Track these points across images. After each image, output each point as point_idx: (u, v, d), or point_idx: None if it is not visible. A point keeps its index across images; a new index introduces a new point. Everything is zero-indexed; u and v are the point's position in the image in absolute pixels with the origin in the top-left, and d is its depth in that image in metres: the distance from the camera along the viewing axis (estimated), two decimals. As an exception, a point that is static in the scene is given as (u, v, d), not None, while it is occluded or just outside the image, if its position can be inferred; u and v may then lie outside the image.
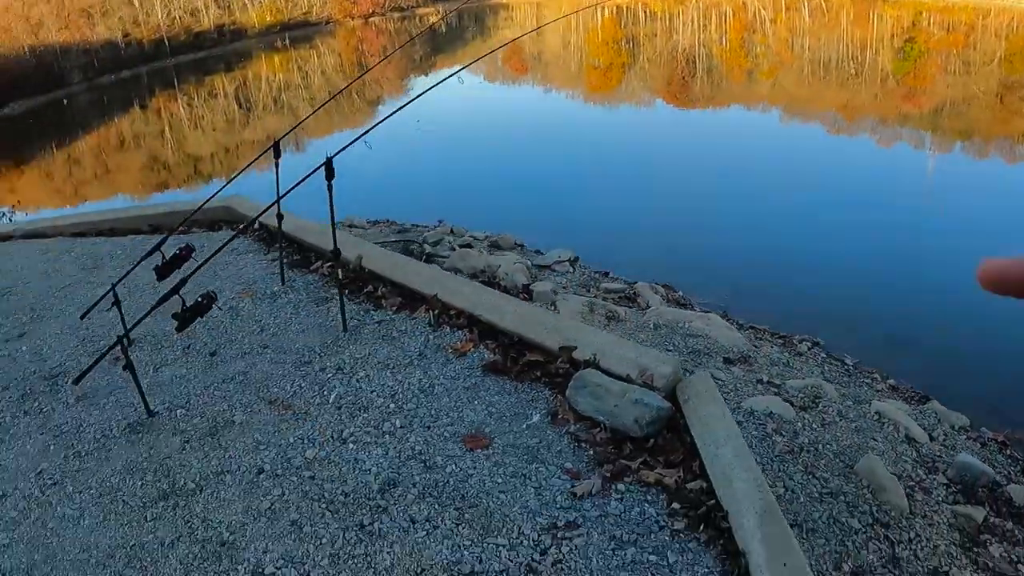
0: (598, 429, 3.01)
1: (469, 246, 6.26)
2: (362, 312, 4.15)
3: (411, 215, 7.62)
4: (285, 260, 4.70)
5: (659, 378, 3.13)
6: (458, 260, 5.51)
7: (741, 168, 10.49)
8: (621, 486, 2.77)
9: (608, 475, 2.76)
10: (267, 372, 3.67)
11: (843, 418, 3.62)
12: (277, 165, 4.09)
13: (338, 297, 4.00)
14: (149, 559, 2.67)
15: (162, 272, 3.79)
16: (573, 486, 2.80)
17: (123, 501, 2.96)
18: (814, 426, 3.45)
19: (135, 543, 2.74)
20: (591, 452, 2.95)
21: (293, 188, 3.30)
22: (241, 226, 4.24)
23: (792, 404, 3.57)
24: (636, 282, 6.12)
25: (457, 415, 3.27)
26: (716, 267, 6.88)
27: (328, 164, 3.41)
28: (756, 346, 4.73)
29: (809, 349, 5.05)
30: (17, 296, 5.16)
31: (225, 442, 3.20)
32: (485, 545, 2.67)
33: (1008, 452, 3.88)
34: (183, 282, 3.17)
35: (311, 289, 4.54)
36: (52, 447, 3.36)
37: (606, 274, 6.23)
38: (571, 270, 6.19)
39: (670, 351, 4.08)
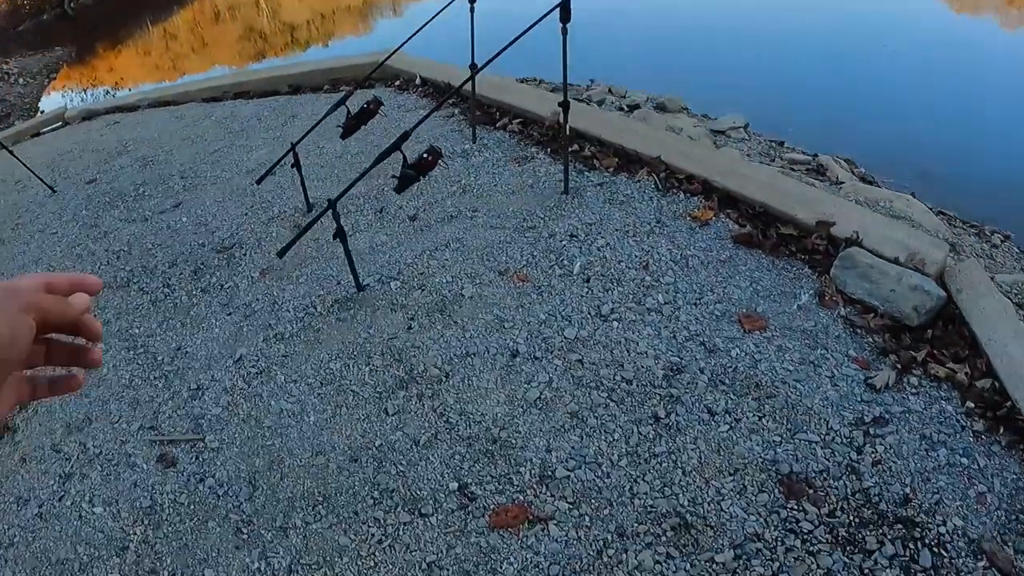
0: (872, 315, 2.63)
1: (637, 106, 5.53)
2: (575, 173, 3.58)
3: (555, 73, 6.86)
4: (464, 118, 4.13)
5: (930, 264, 2.66)
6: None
7: (939, 40, 9.12)
8: (913, 379, 2.38)
9: (899, 366, 2.44)
10: (487, 239, 3.19)
11: None
12: (472, 11, 3.50)
13: (542, 156, 3.46)
14: (404, 461, 2.28)
15: (349, 127, 3.29)
16: (867, 377, 2.40)
17: (352, 392, 2.58)
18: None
19: (381, 443, 2.36)
20: (869, 340, 2.53)
21: (525, 32, 2.65)
22: (414, 81, 3.61)
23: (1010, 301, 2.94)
24: (817, 154, 5.33)
25: (722, 291, 2.75)
26: (896, 145, 5.93)
27: (565, 4, 2.78)
28: (956, 234, 4.00)
29: (1002, 242, 4.24)
30: (161, 164, 4.81)
31: (460, 319, 2.76)
32: (797, 442, 2.22)
33: None
34: (406, 135, 2.64)
35: (505, 147, 3.98)
36: (245, 329, 3.00)
37: (781, 143, 5.43)
38: (746, 137, 5.42)
39: None
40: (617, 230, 3.10)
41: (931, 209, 4.29)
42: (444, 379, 2.53)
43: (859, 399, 2.34)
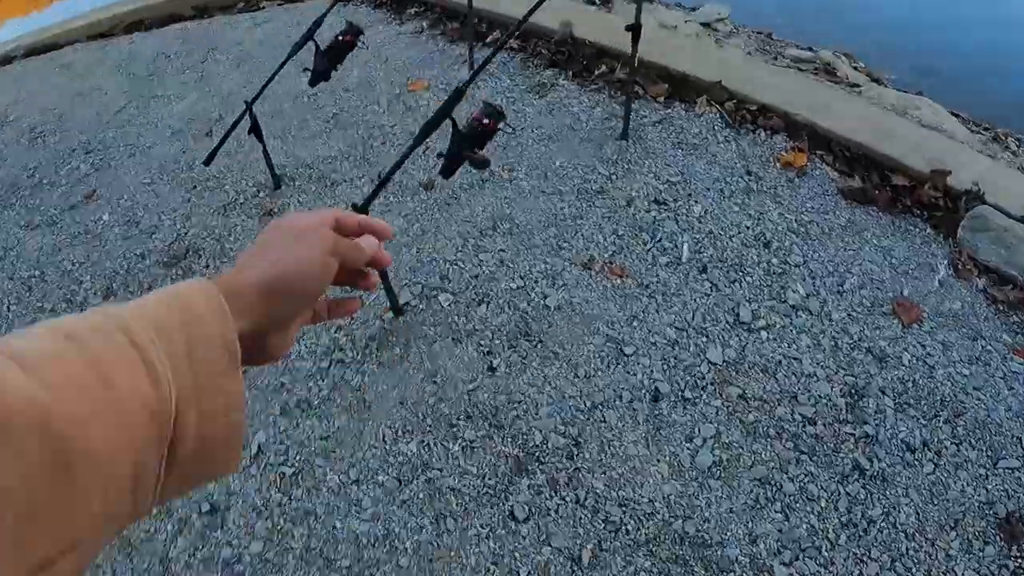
0: (1011, 287, 2.31)
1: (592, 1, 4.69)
2: (616, 105, 2.84)
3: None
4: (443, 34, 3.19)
5: None
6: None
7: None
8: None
9: None
10: (545, 211, 2.47)
11: None
12: None
13: (564, 83, 2.74)
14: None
15: (319, 71, 2.35)
16: None
17: (452, 491, 1.92)
18: None
19: (528, 570, 1.75)
20: (1016, 319, 2.21)
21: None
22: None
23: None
24: (813, 48, 4.79)
25: (860, 271, 2.29)
26: (885, 33, 5.49)
27: None
28: (984, 144, 3.71)
29: (1018, 147, 4.02)
30: (56, 136, 3.44)
31: (558, 345, 2.10)
32: (1001, 472, 1.96)
33: None
34: (459, 94, 1.80)
35: (512, 73, 3.15)
36: (249, 401, 2.14)
37: (769, 35, 4.85)
38: (734, 30, 4.78)
39: None
40: (708, 189, 2.48)
41: (953, 114, 3.95)
42: (575, 450, 1.87)
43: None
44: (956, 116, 4.15)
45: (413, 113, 3.05)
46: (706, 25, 4.77)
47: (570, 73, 3.15)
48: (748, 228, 2.35)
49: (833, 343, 2.07)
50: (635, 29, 2.33)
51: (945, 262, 2.35)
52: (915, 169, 2.51)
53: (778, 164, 2.60)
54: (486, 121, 1.87)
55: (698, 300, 2.16)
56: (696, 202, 2.42)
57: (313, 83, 2.39)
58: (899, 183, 2.51)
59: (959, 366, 2.07)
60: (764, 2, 5.54)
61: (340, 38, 2.29)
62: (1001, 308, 2.26)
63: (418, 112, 3.01)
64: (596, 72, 3.11)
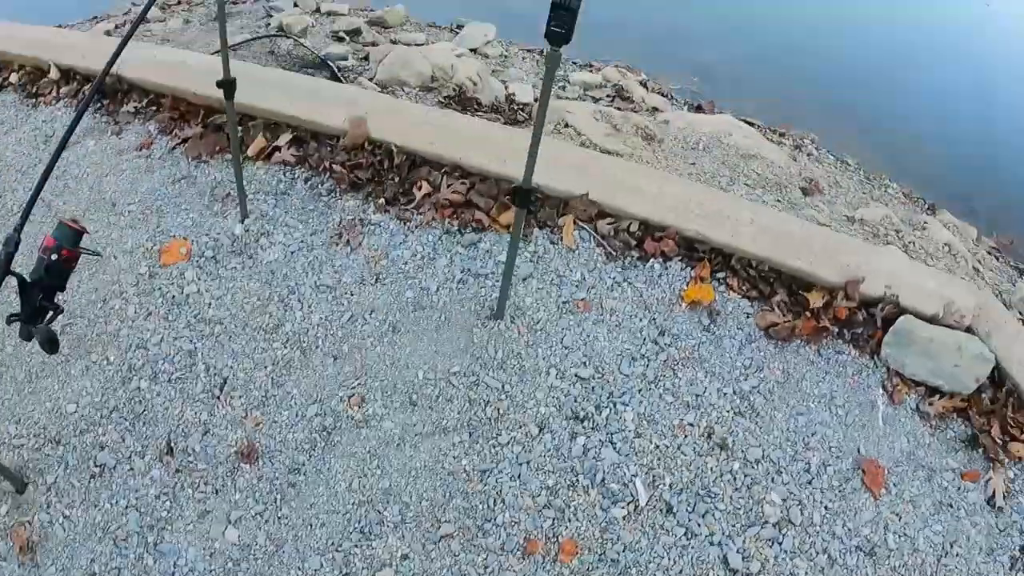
0: (937, 396, 2.18)
1: (357, 31, 3.94)
2: (462, 249, 2.23)
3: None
4: (154, 142, 2.31)
5: (966, 313, 2.24)
6: (396, 67, 3.37)
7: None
8: (1012, 474, 2.03)
9: (991, 458, 2.08)
10: (431, 469, 1.82)
11: (932, 259, 2.89)
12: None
13: (379, 218, 2.03)
14: None
15: (27, 315, 1.47)
16: (988, 498, 1.99)
17: None
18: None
19: None
20: (949, 434, 2.11)
21: None
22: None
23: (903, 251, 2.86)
24: (595, 66, 4.43)
25: (813, 438, 2.02)
26: (656, 38, 5.23)
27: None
28: (793, 157, 3.66)
29: (817, 151, 4.02)
30: None
31: None
32: None
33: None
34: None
35: (301, 211, 2.36)
36: None
37: (541, 52, 4.40)
38: (506, 53, 4.29)
39: (749, 186, 2.92)
40: (628, 377, 1.98)
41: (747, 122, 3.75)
42: None
43: (1005, 533, 1.93)
44: (750, 124, 4.05)
45: (181, 308, 2.15)
46: (484, 55, 4.21)
47: (381, 200, 2.43)
48: (693, 425, 1.89)
49: (826, 555, 1.74)
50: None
51: (880, 391, 2.13)
52: (827, 281, 2.22)
53: (683, 305, 2.15)
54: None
55: (679, 559, 1.66)
56: (624, 404, 1.91)
57: (26, 336, 1.44)
58: (815, 302, 2.20)
59: (931, 523, 1.91)
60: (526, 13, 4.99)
61: (53, 256, 1.37)
62: (935, 425, 2.13)
63: (186, 306, 2.13)
64: (419, 194, 2.42)
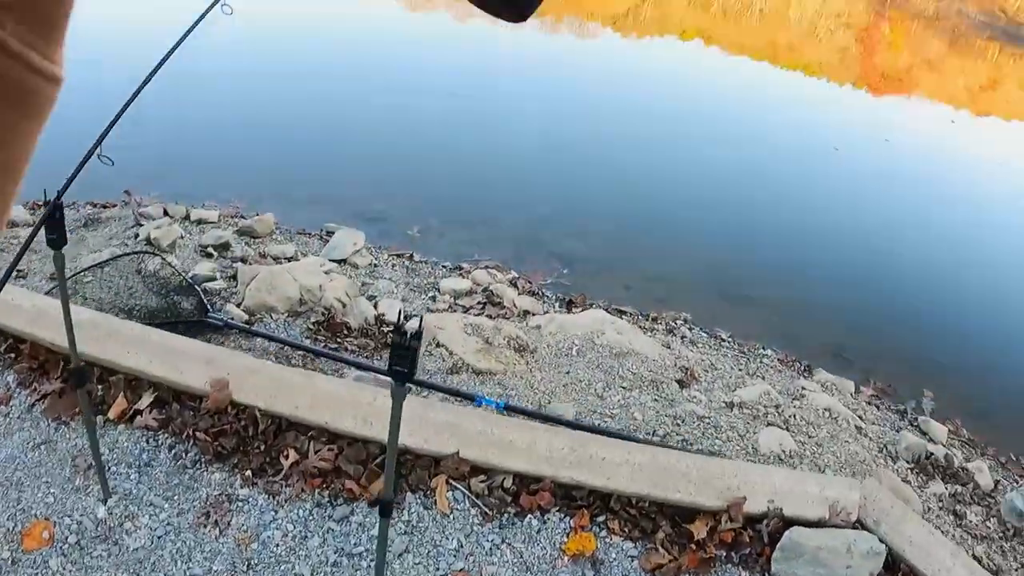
0: None
1: (227, 246, 3.88)
2: (356, 540, 2.09)
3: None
4: (13, 396, 2.14)
5: (851, 507, 2.28)
6: (264, 292, 3.31)
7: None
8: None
9: None
10: None
11: (814, 428, 3.01)
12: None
13: (248, 493, 1.95)
14: None
15: None
16: None
17: None
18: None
19: None
20: None
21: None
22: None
23: (784, 429, 2.96)
24: (464, 268, 4.35)
25: None
26: (512, 227, 5.19)
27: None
28: (667, 345, 3.68)
29: (690, 331, 4.06)
30: None
31: None
32: None
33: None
34: None
35: (166, 489, 2.18)
36: None
37: (411, 257, 4.37)
38: (376, 261, 4.25)
39: (625, 388, 2.99)
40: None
41: (617, 316, 3.78)
42: None
43: None
44: (621, 313, 4.08)
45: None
46: (341, 262, 4.13)
47: (248, 472, 2.28)
48: None
49: None
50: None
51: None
52: (710, 507, 2.19)
53: (566, 559, 2.06)
54: None
55: None
56: None
57: None
58: (699, 534, 2.15)
59: None
60: (389, 217, 4.91)
61: None
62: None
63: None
64: (286, 463, 2.29)
